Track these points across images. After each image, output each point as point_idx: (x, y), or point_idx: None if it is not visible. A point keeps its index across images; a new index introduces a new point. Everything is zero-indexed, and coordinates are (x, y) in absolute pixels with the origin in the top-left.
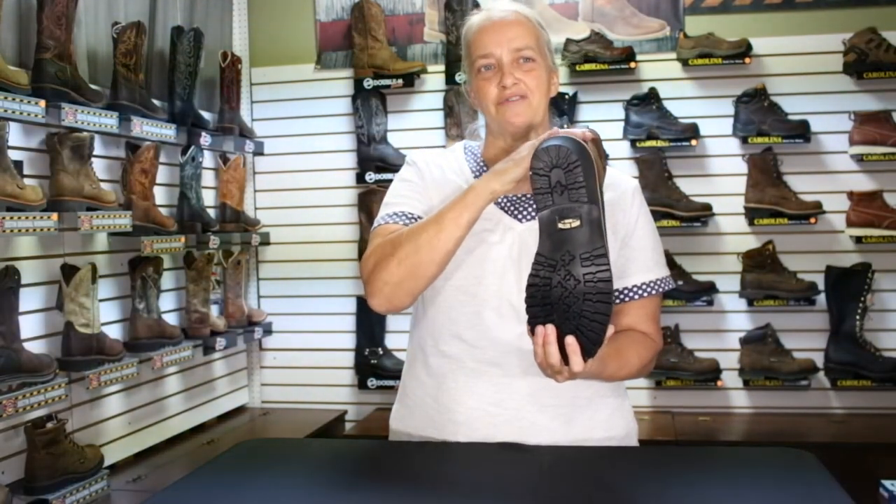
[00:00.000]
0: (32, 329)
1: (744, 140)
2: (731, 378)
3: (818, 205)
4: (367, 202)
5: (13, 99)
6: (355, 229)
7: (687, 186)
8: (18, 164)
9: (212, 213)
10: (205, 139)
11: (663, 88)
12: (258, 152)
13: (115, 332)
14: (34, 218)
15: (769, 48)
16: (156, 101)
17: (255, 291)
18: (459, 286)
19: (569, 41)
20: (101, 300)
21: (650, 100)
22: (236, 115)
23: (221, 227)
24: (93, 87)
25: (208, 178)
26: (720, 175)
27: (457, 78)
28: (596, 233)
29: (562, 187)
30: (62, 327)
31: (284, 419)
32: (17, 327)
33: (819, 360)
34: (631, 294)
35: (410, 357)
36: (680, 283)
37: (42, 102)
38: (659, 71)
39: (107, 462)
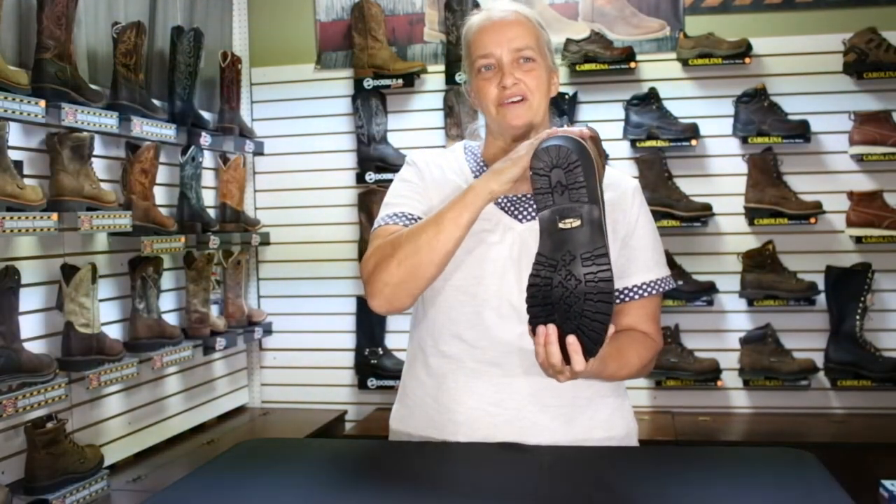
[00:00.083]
0: (32, 329)
1: (744, 140)
2: (731, 378)
3: (818, 205)
4: (367, 202)
5: (13, 99)
6: (355, 229)
7: (687, 186)
8: (18, 164)
9: (212, 213)
10: (205, 139)
11: (663, 88)
12: (258, 152)
13: (115, 332)
14: (34, 218)
15: (769, 48)
16: (156, 101)
17: (255, 291)
18: (459, 286)
19: (569, 41)
20: (101, 300)
21: (650, 100)
22: (236, 115)
23: (221, 227)
24: (93, 87)
25: (208, 178)
26: (720, 175)
27: (457, 78)
28: (597, 232)
29: (562, 187)
30: (62, 327)
31: (284, 419)
32: (17, 327)
33: (819, 360)
34: (631, 294)
35: (410, 357)
36: (680, 283)
37: (42, 102)
38: (659, 71)
39: (107, 462)
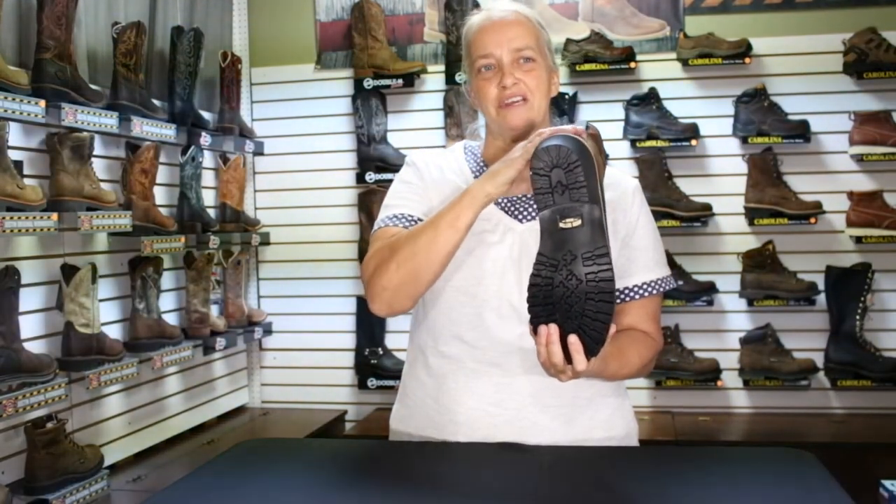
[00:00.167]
0: (32, 329)
1: (744, 140)
2: (731, 378)
3: (818, 205)
4: (367, 202)
5: (13, 99)
6: (355, 229)
7: (687, 186)
8: (18, 164)
9: (212, 213)
10: (205, 139)
11: (663, 88)
12: (258, 152)
13: (115, 332)
14: (34, 218)
15: (769, 48)
16: (156, 101)
17: (255, 291)
18: (460, 287)
19: (569, 41)
20: (101, 300)
21: (650, 100)
22: (236, 115)
23: (221, 227)
24: (93, 87)
25: (208, 178)
26: (720, 175)
27: (457, 78)
28: (597, 232)
29: (563, 187)
30: (62, 327)
31: (284, 419)
32: (17, 327)
33: (819, 360)
34: (632, 294)
35: (411, 357)
36: (680, 283)
37: (42, 102)
38: (659, 71)
39: (107, 462)
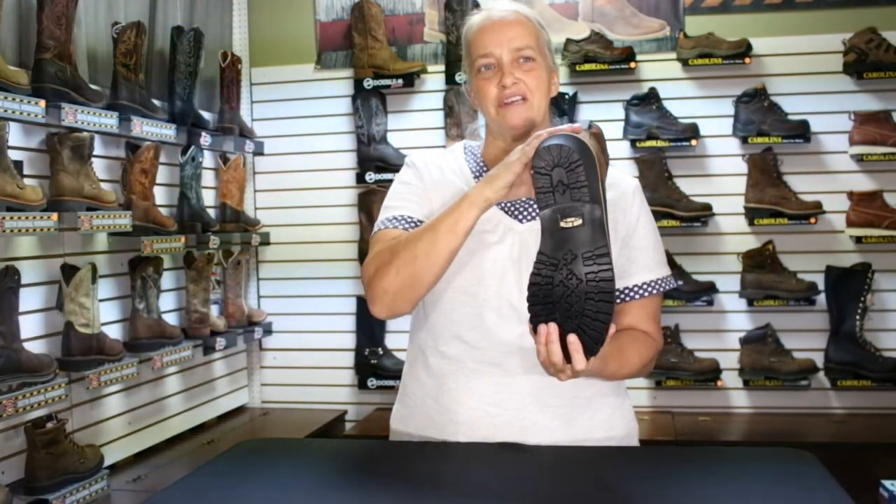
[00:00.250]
0: (32, 329)
1: (744, 140)
2: (731, 378)
3: (818, 205)
4: (367, 202)
5: (13, 99)
6: (355, 229)
7: (687, 186)
8: (18, 164)
9: (212, 213)
10: (205, 139)
11: (663, 88)
12: (258, 152)
13: (115, 332)
14: (34, 218)
15: (769, 48)
16: (156, 101)
17: (255, 291)
18: (460, 287)
19: (569, 41)
20: (101, 300)
21: (650, 100)
22: (236, 115)
23: (221, 227)
24: (93, 87)
25: (208, 178)
26: (720, 175)
27: (457, 78)
28: (598, 232)
29: (564, 186)
30: (62, 327)
31: (284, 419)
32: (17, 327)
33: (819, 360)
34: (632, 294)
35: (411, 358)
36: (680, 283)
37: (42, 102)
38: (659, 71)
39: (107, 462)
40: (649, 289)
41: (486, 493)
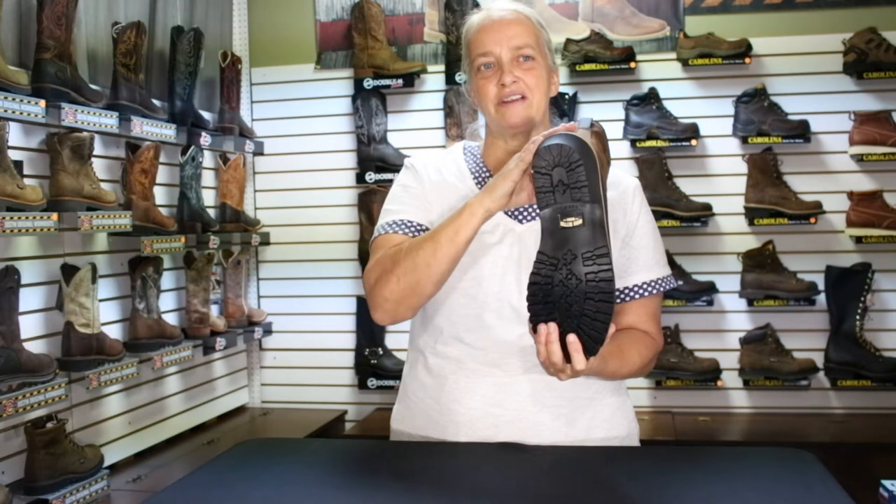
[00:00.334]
0: (32, 329)
1: (744, 140)
2: (731, 378)
3: (818, 205)
4: (367, 202)
5: (13, 99)
6: (355, 229)
7: (687, 186)
8: (18, 164)
9: (212, 213)
10: (205, 139)
11: (663, 88)
12: (258, 152)
13: (115, 332)
14: (34, 218)
15: (769, 48)
16: (156, 101)
17: (255, 291)
18: (460, 289)
19: (569, 41)
20: (101, 300)
21: (650, 100)
22: (236, 115)
23: (221, 227)
24: (93, 87)
25: (208, 178)
26: (720, 175)
27: (457, 78)
28: (598, 232)
29: (564, 186)
30: (62, 327)
31: (284, 419)
32: (17, 327)
33: (819, 360)
34: (632, 293)
35: (411, 358)
36: (680, 283)
37: (42, 102)
38: (659, 71)
39: (107, 462)
40: (649, 288)
41: (486, 493)
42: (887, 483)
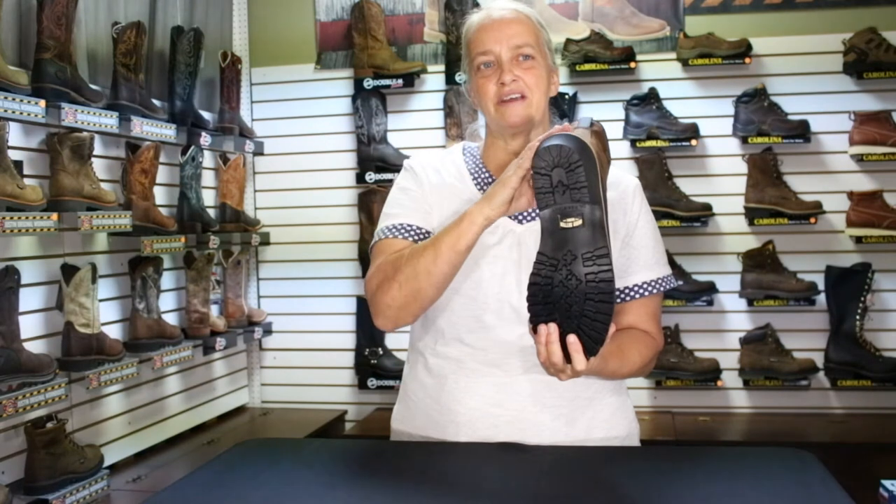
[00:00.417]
0: (32, 329)
1: (744, 140)
2: (731, 378)
3: (818, 205)
4: (367, 202)
5: (13, 99)
6: (355, 229)
7: (687, 186)
8: (18, 164)
9: (212, 213)
10: (205, 139)
11: (663, 88)
12: (258, 152)
13: (115, 332)
14: (34, 218)
15: (769, 48)
16: (156, 101)
17: (255, 291)
18: (459, 290)
19: (569, 41)
20: (101, 300)
21: (650, 100)
22: (236, 115)
23: (221, 227)
24: (93, 87)
25: (208, 178)
26: (720, 175)
27: (457, 78)
28: (598, 232)
29: (563, 187)
30: (62, 327)
31: (284, 419)
32: (17, 327)
33: (819, 360)
34: (632, 293)
35: (412, 359)
36: (680, 282)
37: (42, 102)
38: (659, 71)
39: (107, 462)
40: (650, 288)
41: (486, 493)
42: (887, 483)
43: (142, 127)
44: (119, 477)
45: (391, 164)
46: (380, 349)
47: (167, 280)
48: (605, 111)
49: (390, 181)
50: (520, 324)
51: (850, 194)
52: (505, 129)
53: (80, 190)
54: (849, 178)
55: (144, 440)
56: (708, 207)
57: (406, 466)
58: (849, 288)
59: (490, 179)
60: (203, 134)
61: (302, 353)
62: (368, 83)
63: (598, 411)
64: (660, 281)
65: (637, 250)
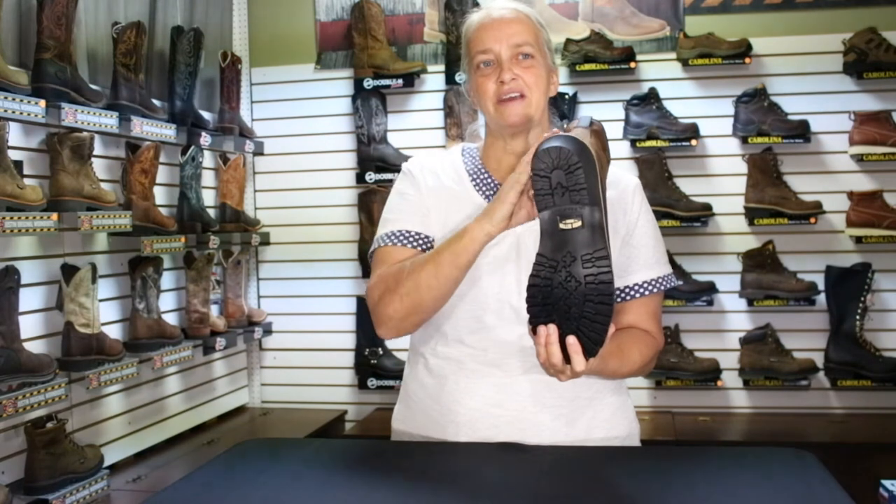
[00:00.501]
0: (32, 329)
1: (744, 140)
2: (731, 378)
3: (818, 205)
4: (367, 202)
5: (13, 99)
6: (355, 229)
7: (687, 186)
8: (18, 164)
9: (212, 213)
10: (205, 139)
11: (663, 88)
12: (258, 152)
13: (115, 332)
14: (34, 218)
15: (769, 48)
16: (156, 101)
17: (255, 291)
18: (460, 291)
19: (569, 41)
20: (101, 300)
21: (650, 100)
22: (236, 115)
23: (221, 227)
24: (93, 87)
25: (208, 178)
26: (720, 175)
27: (457, 78)
28: (597, 234)
29: (563, 189)
30: (62, 327)
31: (284, 419)
32: (17, 327)
33: (819, 360)
34: (632, 292)
35: (412, 359)
36: (680, 282)
37: (42, 102)
38: (659, 71)
39: (107, 462)
40: (650, 287)
41: (486, 493)
42: (887, 483)
43: (142, 127)
44: (119, 477)
45: (391, 164)
46: (380, 349)
47: (167, 280)
48: (605, 111)
49: (390, 181)
50: (520, 324)
51: (850, 194)
52: (504, 128)
53: (80, 190)
54: (849, 178)
55: (144, 440)
56: (708, 207)
57: (406, 466)
58: (849, 288)
59: (489, 180)
60: (203, 134)
61: (302, 353)
62: (368, 83)
63: (599, 411)
64: (660, 280)
65: (637, 249)
